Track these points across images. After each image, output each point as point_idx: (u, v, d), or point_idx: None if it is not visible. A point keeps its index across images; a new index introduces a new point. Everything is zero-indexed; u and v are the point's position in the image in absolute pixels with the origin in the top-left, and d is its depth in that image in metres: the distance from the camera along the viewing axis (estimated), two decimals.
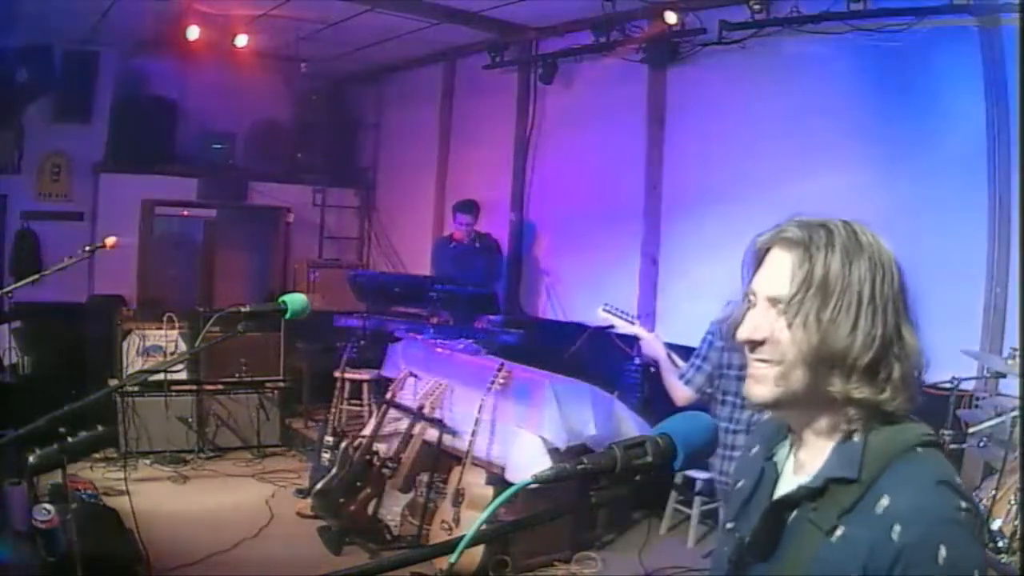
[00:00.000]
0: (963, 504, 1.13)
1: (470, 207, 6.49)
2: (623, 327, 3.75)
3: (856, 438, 1.20)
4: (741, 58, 5.29)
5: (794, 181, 4.95)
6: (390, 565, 1.08)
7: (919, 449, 1.19)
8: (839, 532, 1.15)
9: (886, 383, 1.18)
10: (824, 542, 1.16)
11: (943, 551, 1.07)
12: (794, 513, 1.22)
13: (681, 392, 3.35)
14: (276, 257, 8.63)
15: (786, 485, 1.29)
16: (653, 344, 3.60)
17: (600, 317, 3.77)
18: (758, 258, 1.28)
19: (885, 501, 1.13)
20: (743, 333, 1.24)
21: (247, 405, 6.62)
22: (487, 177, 7.26)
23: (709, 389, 3.30)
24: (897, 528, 1.09)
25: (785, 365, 1.20)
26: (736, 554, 1.30)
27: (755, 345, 1.23)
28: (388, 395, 5.27)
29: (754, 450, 1.41)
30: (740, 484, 1.40)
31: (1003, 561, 3.09)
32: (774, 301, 1.22)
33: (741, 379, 3.18)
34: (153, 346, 6.36)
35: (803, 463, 1.27)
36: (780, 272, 1.22)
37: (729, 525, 1.38)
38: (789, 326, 1.19)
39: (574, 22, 6.30)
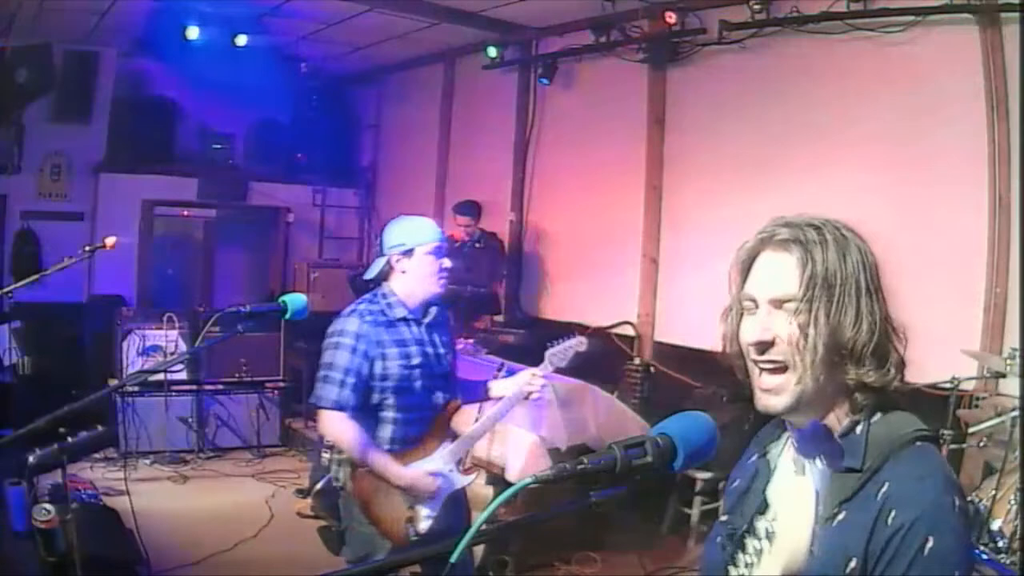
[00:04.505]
0: (957, 501, 1.16)
1: (469, 208, 6.48)
2: None
3: (859, 430, 1.23)
4: (741, 58, 5.29)
5: (793, 181, 4.96)
6: (390, 565, 1.08)
7: (918, 443, 1.22)
8: (840, 517, 1.19)
9: (891, 364, 1.23)
10: (825, 527, 1.20)
11: (930, 542, 1.10)
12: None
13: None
14: (276, 257, 8.65)
15: (783, 478, 1.32)
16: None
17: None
18: (746, 265, 1.29)
19: (884, 488, 1.16)
20: (752, 336, 1.25)
21: (247, 405, 6.62)
22: (487, 177, 7.26)
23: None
24: (893, 513, 1.13)
25: (801, 367, 1.22)
26: (732, 544, 1.33)
27: (765, 347, 1.24)
28: None
29: (752, 456, 1.43)
30: (736, 483, 1.43)
31: (1003, 561, 3.09)
32: (779, 302, 1.23)
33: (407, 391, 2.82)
34: (153, 346, 6.36)
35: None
36: (781, 273, 1.24)
37: (723, 518, 1.40)
38: (802, 325, 1.21)
39: (574, 22, 6.30)
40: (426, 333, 2.92)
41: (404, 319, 2.87)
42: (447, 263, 2.93)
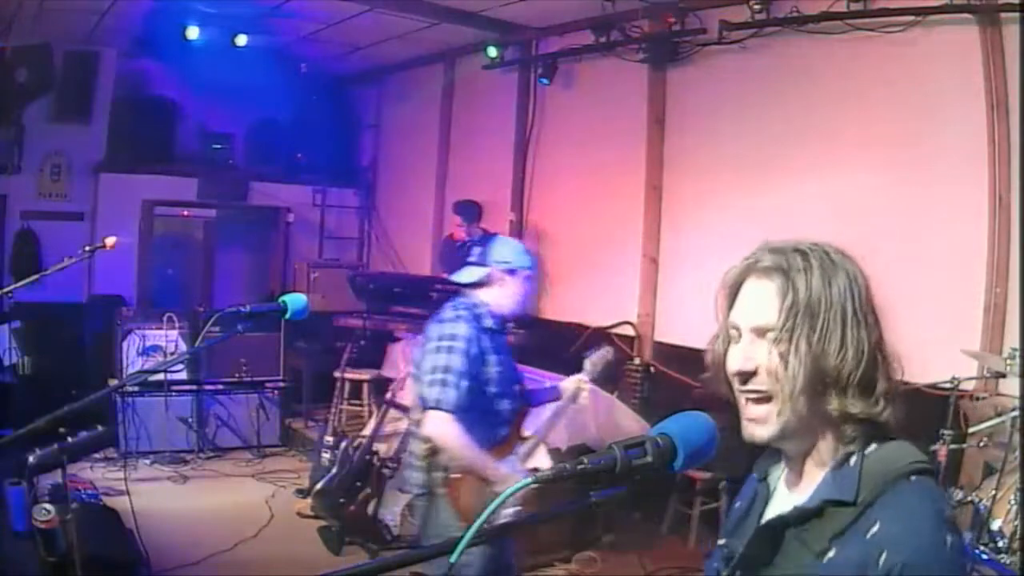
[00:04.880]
0: (950, 539, 1.12)
1: (464, 208, 6.49)
2: None
3: (852, 461, 1.19)
4: (741, 58, 5.29)
5: (793, 181, 4.96)
6: (390, 565, 1.08)
7: (913, 477, 1.18)
8: (830, 554, 1.15)
9: (878, 395, 1.19)
10: (814, 563, 1.16)
11: None
12: (786, 533, 1.22)
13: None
14: (276, 257, 8.64)
15: (779, 504, 1.30)
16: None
17: None
18: (732, 292, 1.27)
19: (876, 528, 1.12)
20: (734, 365, 1.23)
21: (247, 405, 6.62)
22: (487, 177, 7.26)
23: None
24: (885, 555, 1.09)
25: (782, 397, 1.19)
26: (728, 570, 1.31)
27: (747, 377, 1.21)
28: (388, 395, 5.27)
29: (753, 480, 1.41)
30: (737, 504, 1.42)
31: (1003, 561, 3.09)
32: (761, 331, 1.21)
33: (415, 378, 2.98)
34: (153, 346, 6.36)
35: (798, 484, 1.28)
36: (763, 301, 1.22)
37: (721, 541, 1.38)
38: (783, 354, 1.18)
39: (574, 22, 6.30)
40: (504, 343, 3.10)
41: (492, 328, 3.02)
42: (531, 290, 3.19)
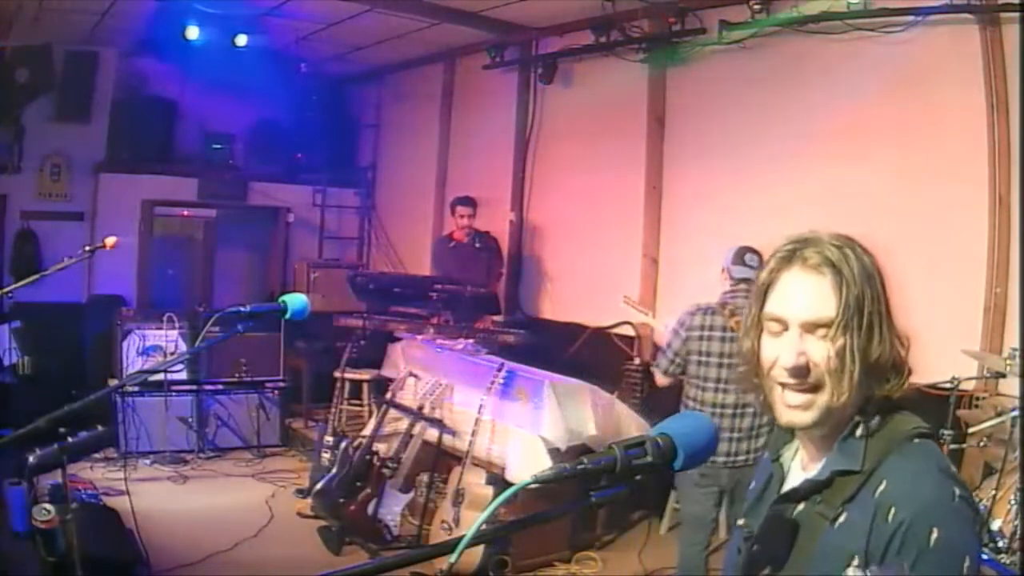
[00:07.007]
0: (957, 491, 1.16)
1: (468, 200, 6.50)
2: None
3: (858, 433, 1.24)
4: (741, 58, 5.29)
5: (793, 181, 4.96)
6: (390, 565, 1.08)
7: (916, 440, 1.23)
8: (842, 519, 1.19)
9: (898, 374, 1.24)
10: (828, 529, 1.20)
11: (935, 533, 1.11)
12: (801, 506, 1.26)
13: (658, 379, 3.91)
14: (276, 257, 8.65)
15: (793, 482, 1.34)
16: None
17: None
18: (767, 285, 1.28)
19: (883, 486, 1.17)
20: (788, 360, 1.22)
21: (247, 405, 6.62)
22: (487, 177, 7.25)
23: (679, 373, 3.75)
24: (893, 510, 1.13)
25: (831, 388, 1.22)
26: (746, 548, 1.34)
27: (801, 372, 1.22)
28: (388, 395, 5.27)
29: (766, 454, 1.45)
30: (752, 485, 1.45)
31: (1003, 561, 3.09)
32: (811, 326, 1.22)
33: (721, 366, 3.48)
34: (153, 346, 6.36)
35: (810, 460, 1.32)
36: (816, 296, 1.23)
37: (740, 522, 1.42)
38: (839, 350, 1.21)
39: (574, 22, 6.30)
40: None
41: None
42: None
